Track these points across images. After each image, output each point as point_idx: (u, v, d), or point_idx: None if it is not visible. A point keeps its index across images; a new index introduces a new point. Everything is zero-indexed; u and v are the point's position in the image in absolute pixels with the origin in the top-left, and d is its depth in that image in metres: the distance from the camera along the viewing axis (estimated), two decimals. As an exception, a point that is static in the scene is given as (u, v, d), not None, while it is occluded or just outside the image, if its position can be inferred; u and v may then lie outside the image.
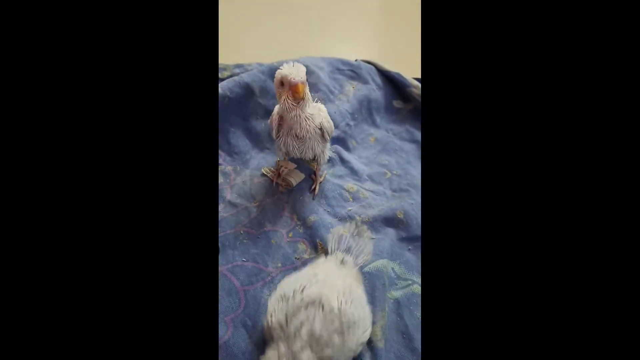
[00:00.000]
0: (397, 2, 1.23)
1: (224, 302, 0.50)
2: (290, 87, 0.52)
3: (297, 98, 0.53)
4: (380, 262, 0.54)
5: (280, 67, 0.53)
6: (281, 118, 0.57)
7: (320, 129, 0.57)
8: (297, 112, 0.55)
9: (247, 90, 0.69)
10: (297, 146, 0.58)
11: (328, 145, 0.62)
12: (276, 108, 0.58)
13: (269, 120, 0.59)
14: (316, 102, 0.60)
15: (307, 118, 0.56)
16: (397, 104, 0.82)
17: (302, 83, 0.52)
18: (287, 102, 0.53)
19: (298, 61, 0.74)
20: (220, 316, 0.49)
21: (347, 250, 0.49)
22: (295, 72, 0.51)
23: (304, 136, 0.57)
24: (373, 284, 0.51)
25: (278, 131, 0.58)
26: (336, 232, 0.52)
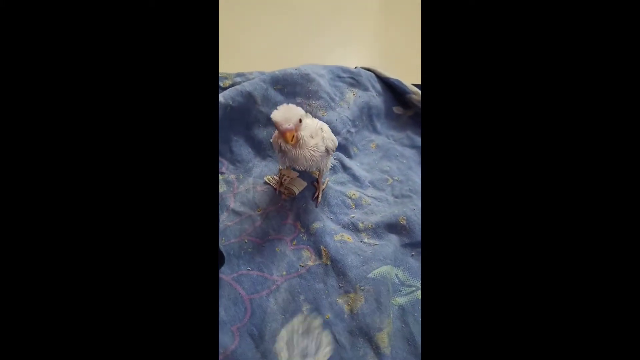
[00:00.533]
0: (396, 8, 1.24)
1: (230, 311, 0.50)
2: (281, 134, 0.52)
3: (289, 144, 0.52)
4: (384, 269, 0.54)
5: (277, 108, 0.52)
6: (282, 151, 0.56)
7: (326, 150, 0.57)
8: (298, 151, 0.54)
9: (249, 99, 0.70)
10: (300, 166, 0.59)
11: (331, 156, 0.63)
12: None
13: (271, 140, 0.59)
14: (318, 112, 0.60)
15: (311, 150, 0.55)
16: (397, 110, 0.83)
17: (291, 130, 0.51)
18: (285, 145, 0.54)
19: (299, 69, 0.75)
20: (227, 326, 0.49)
21: (303, 354, 0.47)
22: (284, 120, 0.51)
23: (309, 165, 0.57)
24: (378, 290, 0.51)
25: (280, 151, 0.57)
26: (285, 336, 0.48)
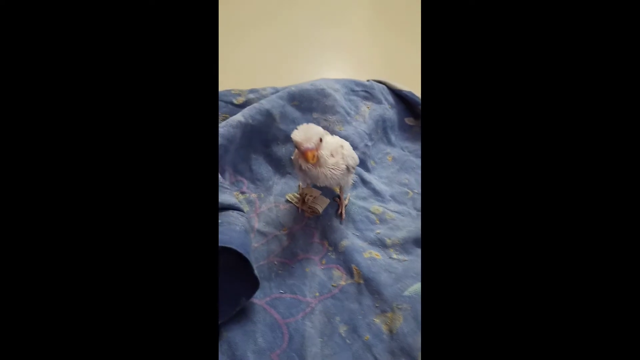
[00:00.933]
0: (391, 19, 1.25)
1: (268, 337, 0.49)
2: (302, 154, 0.52)
3: (310, 163, 0.52)
4: (419, 286, 0.54)
5: (297, 128, 0.52)
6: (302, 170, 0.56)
7: (346, 167, 0.57)
8: (318, 170, 0.54)
9: (268, 117, 0.69)
10: (321, 184, 0.58)
11: (352, 173, 0.62)
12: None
13: (292, 157, 0.58)
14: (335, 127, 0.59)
15: (331, 169, 0.55)
16: (409, 121, 0.83)
17: (312, 150, 0.51)
18: (306, 164, 0.53)
19: (314, 85, 0.75)
20: (267, 353, 0.48)
21: None
22: (305, 140, 0.51)
23: (330, 183, 0.57)
24: (415, 308, 0.51)
25: (301, 170, 0.57)
26: None
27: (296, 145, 0.52)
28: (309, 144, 0.51)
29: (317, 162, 0.53)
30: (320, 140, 0.52)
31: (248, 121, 0.67)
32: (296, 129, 0.52)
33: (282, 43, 1.10)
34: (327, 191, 0.66)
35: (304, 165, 0.54)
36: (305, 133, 0.51)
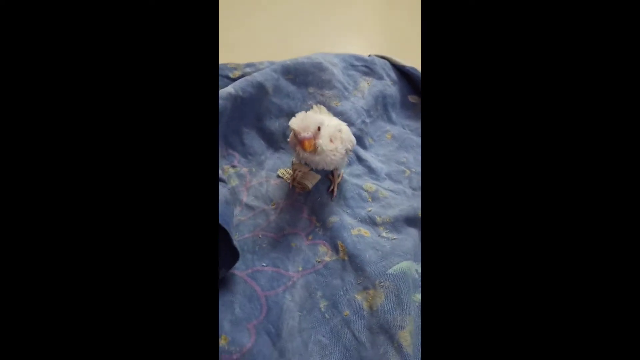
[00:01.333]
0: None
1: (246, 308, 0.49)
2: (299, 142, 0.51)
3: (307, 151, 0.51)
4: (405, 264, 0.52)
5: (295, 116, 0.52)
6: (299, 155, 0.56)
7: (345, 150, 0.56)
8: (317, 158, 0.53)
9: (260, 90, 0.68)
10: (319, 168, 0.58)
11: (349, 154, 0.61)
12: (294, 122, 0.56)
13: (288, 140, 0.57)
14: (331, 102, 0.57)
15: (329, 153, 0.54)
16: (412, 99, 0.80)
17: (309, 139, 0.50)
18: (303, 152, 0.52)
19: (310, 58, 0.73)
20: (243, 323, 0.47)
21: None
22: (302, 128, 0.50)
23: (327, 167, 0.57)
24: (398, 287, 0.49)
25: (297, 151, 0.56)
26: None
27: (293, 133, 0.51)
28: (306, 133, 0.50)
29: (315, 150, 0.52)
30: (319, 129, 0.51)
31: (238, 93, 0.65)
32: (294, 116, 0.52)
33: (284, 19, 1.08)
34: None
35: (301, 154, 0.54)
36: (303, 121, 0.51)
